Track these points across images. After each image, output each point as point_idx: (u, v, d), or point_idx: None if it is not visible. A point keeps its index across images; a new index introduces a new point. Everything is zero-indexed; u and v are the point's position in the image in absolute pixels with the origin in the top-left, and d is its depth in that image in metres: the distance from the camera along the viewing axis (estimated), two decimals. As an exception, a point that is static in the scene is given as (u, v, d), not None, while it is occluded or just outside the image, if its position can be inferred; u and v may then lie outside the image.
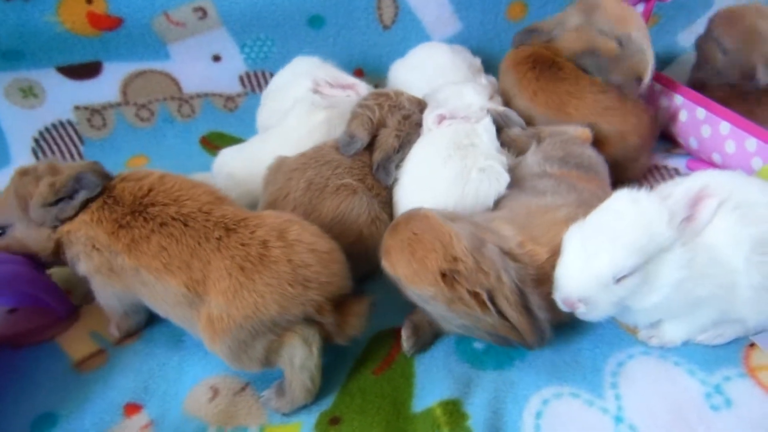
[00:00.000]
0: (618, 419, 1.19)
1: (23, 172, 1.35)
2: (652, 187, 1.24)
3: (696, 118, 1.84)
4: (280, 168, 1.55)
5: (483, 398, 1.24)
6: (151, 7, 1.96)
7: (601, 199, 1.26)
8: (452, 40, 2.19)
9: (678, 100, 1.90)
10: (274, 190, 1.52)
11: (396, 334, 1.38)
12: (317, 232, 1.26)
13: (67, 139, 2.10)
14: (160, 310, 1.28)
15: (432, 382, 1.29)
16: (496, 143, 1.57)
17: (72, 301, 1.52)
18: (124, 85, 2.10)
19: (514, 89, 1.85)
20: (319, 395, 1.24)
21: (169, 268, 1.20)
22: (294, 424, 1.23)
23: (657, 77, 1.91)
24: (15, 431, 1.23)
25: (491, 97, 1.77)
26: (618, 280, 1.15)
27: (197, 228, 1.22)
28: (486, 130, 1.56)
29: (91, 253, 1.28)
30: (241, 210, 1.30)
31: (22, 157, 2.04)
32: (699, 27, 2.00)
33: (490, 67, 2.05)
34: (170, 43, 2.06)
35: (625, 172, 1.75)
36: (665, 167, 1.93)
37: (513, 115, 1.70)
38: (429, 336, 1.37)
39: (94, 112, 2.11)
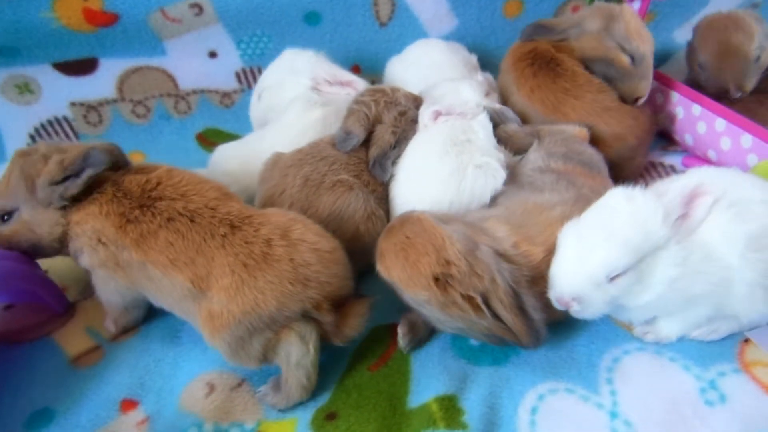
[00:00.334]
0: (613, 415, 1.19)
1: (24, 153, 1.33)
2: (647, 185, 1.25)
3: (692, 115, 1.84)
4: (277, 164, 1.55)
5: (479, 394, 1.24)
6: (147, 3, 1.96)
7: (603, 195, 1.26)
8: (449, 37, 2.19)
9: (674, 97, 1.91)
10: (270, 186, 1.52)
11: (392, 330, 1.38)
12: (320, 231, 1.27)
13: (63, 135, 2.10)
14: (165, 303, 1.29)
15: (428, 378, 1.29)
16: (492, 140, 1.57)
17: (68, 298, 1.51)
18: (120, 81, 2.10)
19: (512, 86, 1.84)
20: (315, 391, 1.25)
21: (176, 264, 1.20)
22: (290, 419, 1.23)
23: (653, 75, 1.91)
24: (11, 427, 1.23)
25: (487, 94, 1.77)
26: (612, 279, 1.15)
27: (203, 224, 1.23)
28: (482, 126, 1.57)
29: (97, 247, 1.27)
30: (247, 207, 1.30)
31: (18, 153, 2.04)
32: (695, 24, 1.99)
33: (486, 64, 2.05)
34: (166, 39, 2.06)
35: (621, 171, 1.74)
36: (661, 164, 1.94)
37: (509, 112, 1.71)
38: (425, 333, 1.37)
39: (90, 109, 2.11)
